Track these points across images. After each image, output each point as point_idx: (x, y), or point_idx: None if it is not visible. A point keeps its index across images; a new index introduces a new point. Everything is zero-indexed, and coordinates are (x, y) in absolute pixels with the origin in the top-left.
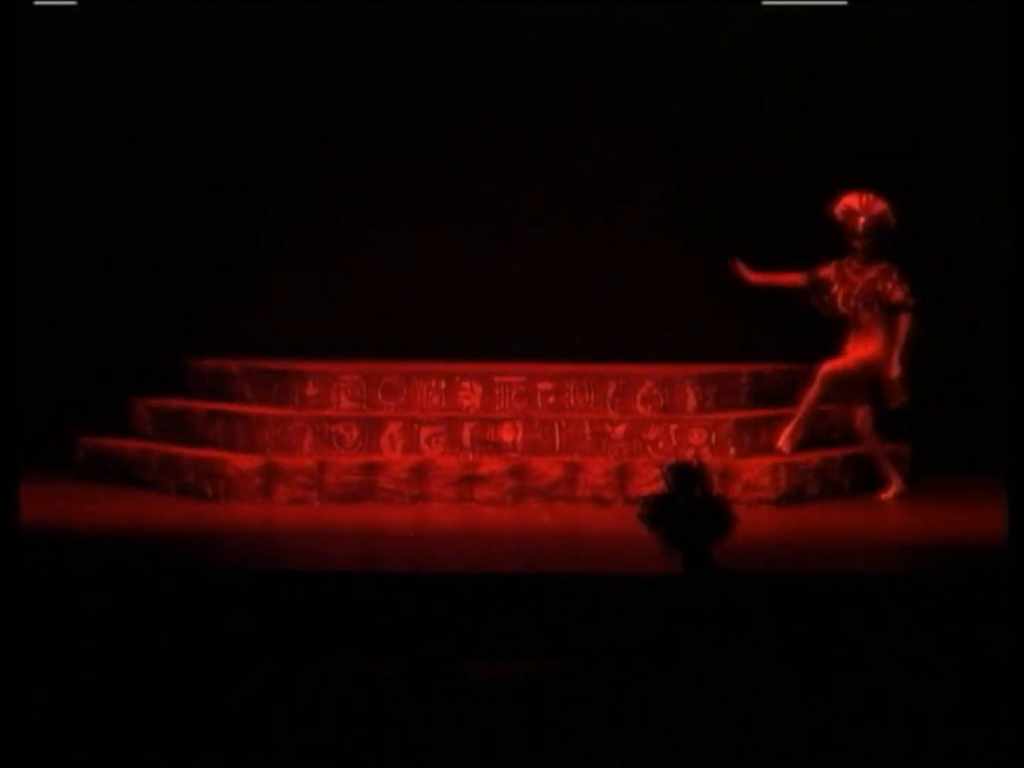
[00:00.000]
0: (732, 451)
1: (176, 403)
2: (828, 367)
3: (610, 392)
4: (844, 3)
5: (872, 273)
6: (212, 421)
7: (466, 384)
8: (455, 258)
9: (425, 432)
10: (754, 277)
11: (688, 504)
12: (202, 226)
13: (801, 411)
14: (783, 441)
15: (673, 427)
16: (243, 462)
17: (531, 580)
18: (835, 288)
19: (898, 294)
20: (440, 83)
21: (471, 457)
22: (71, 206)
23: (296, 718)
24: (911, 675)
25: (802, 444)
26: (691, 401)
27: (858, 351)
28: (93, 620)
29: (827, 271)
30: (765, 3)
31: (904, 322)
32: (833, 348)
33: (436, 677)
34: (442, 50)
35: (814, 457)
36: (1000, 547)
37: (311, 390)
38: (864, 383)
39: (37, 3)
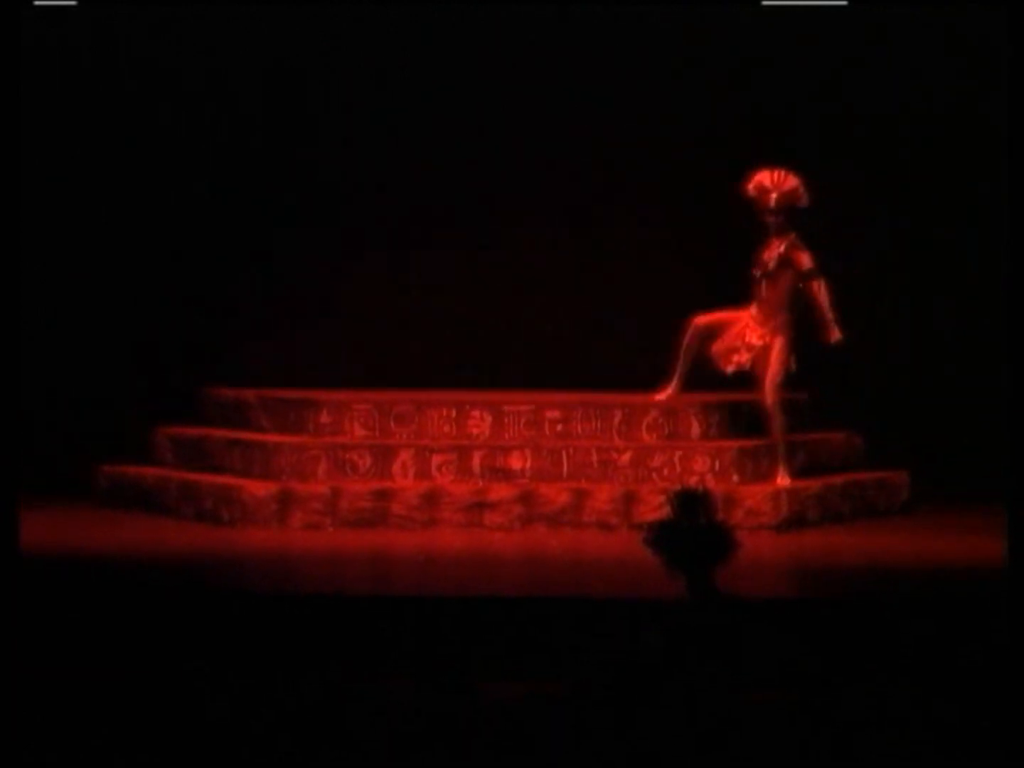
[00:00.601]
0: (735, 478)
1: (194, 431)
2: (772, 397)
3: (616, 420)
4: (844, 3)
5: (779, 246)
6: (229, 449)
7: (476, 413)
8: (465, 289)
9: (436, 459)
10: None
11: (692, 530)
12: (219, 258)
13: (780, 444)
14: (780, 479)
15: (678, 454)
16: (259, 488)
17: (538, 603)
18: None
19: (805, 261)
20: (449, 116)
21: (481, 484)
22: (79, 217)
23: (311, 738)
24: (912, 697)
25: (800, 469)
26: (695, 429)
27: (772, 354)
28: (111, 642)
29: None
30: (765, 3)
31: (820, 288)
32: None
33: (448, 696)
34: (448, 83)
35: (814, 484)
36: (999, 572)
37: (325, 419)
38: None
39: (37, 3)
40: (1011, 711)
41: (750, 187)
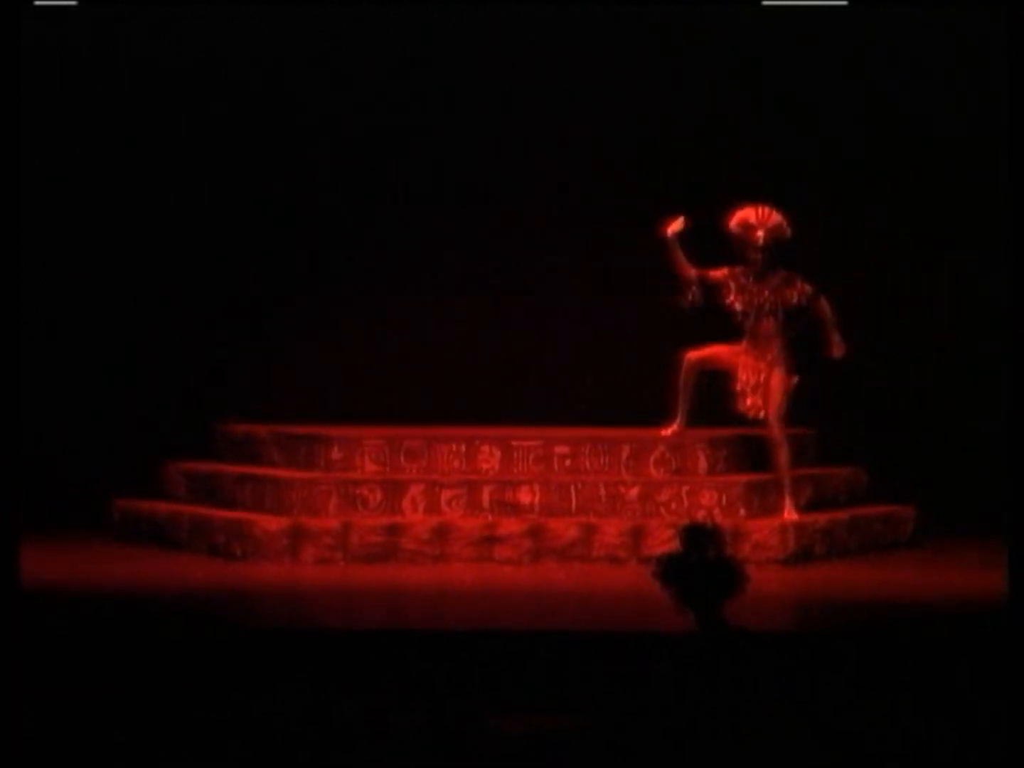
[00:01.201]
0: (742, 512)
1: (207, 467)
2: (777, 429)
3: (624, 455)
4: (844, 3)
5: (775, 282)
6: (242, 484)
7: (485, 448)
8: (474, 326)
9: (446, 494)
10: (670, 236)
11: (701, 564)
12: (232, 298)
13: (786, 478)
14: (787, 513)
15: (685, 489)
16: (271, 523)
17: (548, 637)
18: (730, 295)
19: (808, 288)
20: (461, 157)
21: (490, 518)
22: (80, 225)
23: None
24: (916, 730)
25: (806, 503)
26: (702, 464)
27: (772, 387)
28: (122, 677)
29: (719, 274)
30: (765, 3)
31: (824, 306)
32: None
33: (459, 730)
34: (457, 127)
35: (821, 518)
36: (1001, 607)
37: (336, 454)
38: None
39: (37, 3)
40: (1012, 745)
41: (734, 224)
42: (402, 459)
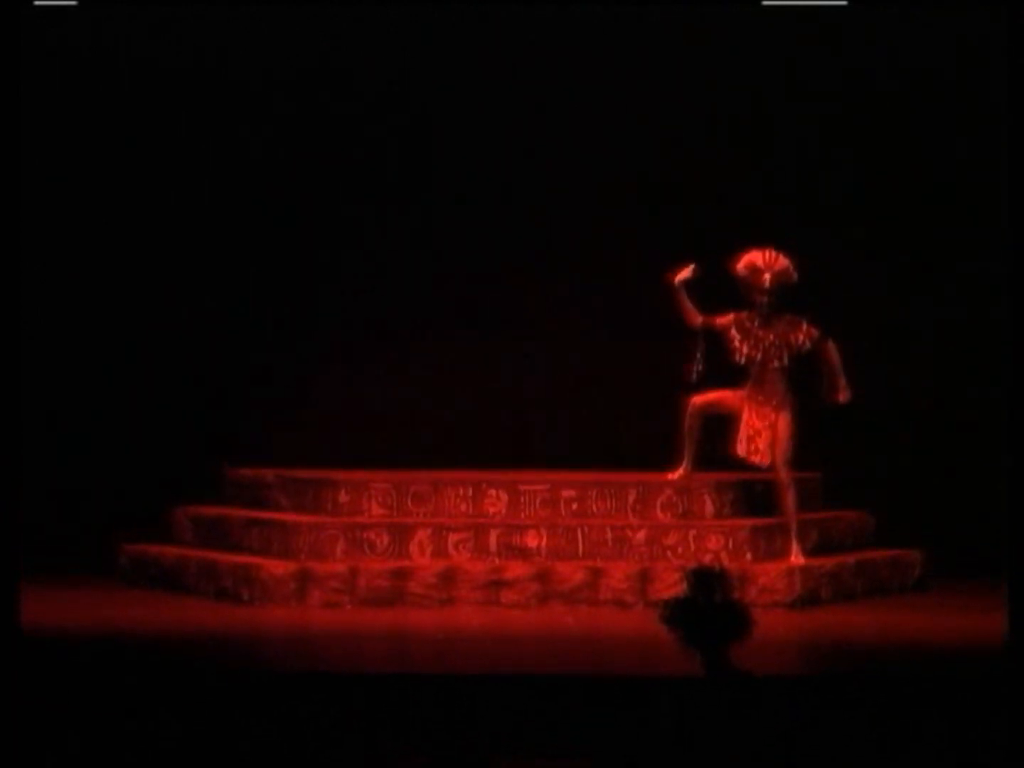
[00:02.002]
0: (748, 556)
1: (214, 511)
2: (784, 473)
3: (631, 499)
4: (844, 3)
5: (781, 326)
6: (249, 528)
7: (492, 492)
8: (480, 370)
9: (453, 538)
10: (678, 283)
11: (708, 607)
12: (237, 341)
13: (792, 522)
14: (794, 557)
15: (692, 533)
16: (278, 567)
17: (555, 681)
18: (736, 341)
19: (815, 332)
20: (456, 202)
21: (497, 562)
22: (81, 229)
23: None
24: None
25: (813, 548)
26: (709, 508)
27: (779, 431)
28: (128, 722)
29: (725, 321)
30: (765, 3)
31: (831, 349)
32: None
33: None
34: (460, 164)
35: (827, 562)
36: (1000, 650)
37: (343, 498)
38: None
39: (37, 3)
40: None
41: (740, 267)
42: (409, 503)
